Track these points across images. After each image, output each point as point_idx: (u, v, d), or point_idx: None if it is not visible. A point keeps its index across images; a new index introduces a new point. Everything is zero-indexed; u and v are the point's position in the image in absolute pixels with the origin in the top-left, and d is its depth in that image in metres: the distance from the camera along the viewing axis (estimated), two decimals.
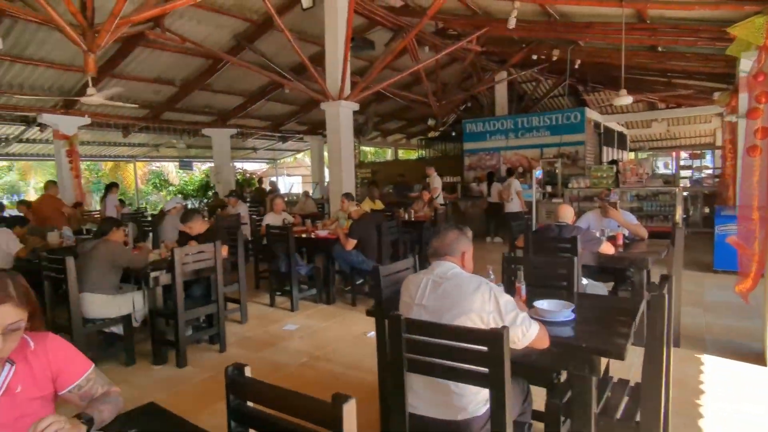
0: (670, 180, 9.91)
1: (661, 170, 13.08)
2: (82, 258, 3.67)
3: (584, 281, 3.89)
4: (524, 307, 2.14)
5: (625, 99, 6.56)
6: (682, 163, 11.43)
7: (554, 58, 9.92)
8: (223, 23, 8.85)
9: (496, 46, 10.96)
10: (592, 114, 12.06)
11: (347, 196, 6.38)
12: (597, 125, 13.10)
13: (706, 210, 10.97)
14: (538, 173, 9.51)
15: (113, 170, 17.47)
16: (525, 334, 1.80)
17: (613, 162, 10.02)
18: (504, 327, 1.56)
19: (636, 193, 8.88)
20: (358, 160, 18.59)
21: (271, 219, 6.37)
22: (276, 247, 5.46)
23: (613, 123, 14.99)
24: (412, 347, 1.70)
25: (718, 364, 3.55)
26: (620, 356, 1.82)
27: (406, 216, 7.68)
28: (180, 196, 9.52)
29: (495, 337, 1.53)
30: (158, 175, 18.92)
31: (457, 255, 2.01)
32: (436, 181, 9.93)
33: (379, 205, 8.31)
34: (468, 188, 11.80)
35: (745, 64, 5.13)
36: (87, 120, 10.32)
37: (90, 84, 5.26)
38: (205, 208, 11.74)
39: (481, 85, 12.18)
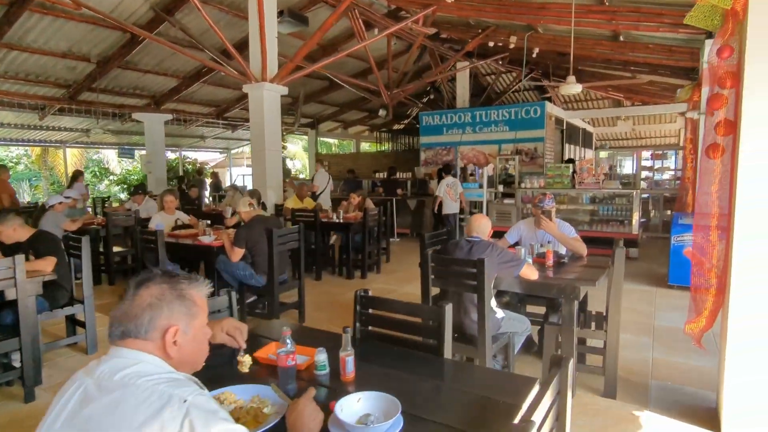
0: (631, 181, 9.25)
1: (626, 171, 12.48)
2: None
3: (498, 314, 3.04)
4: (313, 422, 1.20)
5: (573, 87, 5.76)
6: (643, 163, 10.80)
7: (511, 46, 9.10)
8: None
9: (452, 31, 10.07)
10: (553, 109, 11.34)
11: (252, 193, 5.41)
12: (559, 121, 12.40)
13: (668, 213, 10.41)
14: (465, 171, 8.70)
15: (41, 157, 15.95)
16: None
17: (570, 161, 9.29)
18: None
19: (592, 195, 8.15)
20: (315, 152, 17.65)
21: (160, 220, 5.35)
22: (147, 257, 4.46)
23: (578, 120, 14.35)
24: None
25: (662, 427, 2.74)
26: None
27: (335, 217, 6.75)
28: (74, 191, 8.09)
29: None
30: (98, 164, 17.46)
31: (152, 337, 1.08)
32: (319, 178, 8.93)
33: (309, 203, 7.35)
34: (424, 185, 10.90)
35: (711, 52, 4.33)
36: None
37: None
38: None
39: (436, 75, 11.27)
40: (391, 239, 9.62)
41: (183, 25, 8.38)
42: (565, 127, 12.87)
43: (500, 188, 8.84)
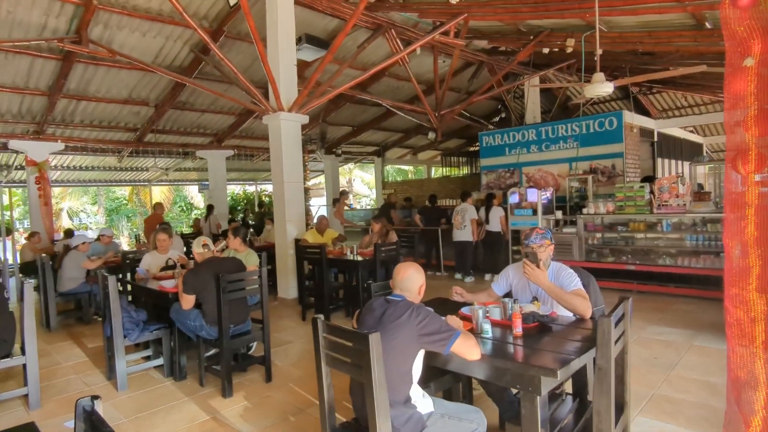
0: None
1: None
2: None
3: (423, 407, 2.13)
4: None
5: (601, 87, 4.51)
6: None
7: (568, 50, 7.86)
8: (170, 34, 7.93)
9: (503, 41, 9.07)
10: (634, 119, 9.65)
11: (235, 231, 4.97)
12: (647, 132, 10.58)
13: None
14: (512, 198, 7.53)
15: (132, 195, 17.55)
16: None
17: (648, 179, 7.65)
18: None
19: (676, 220, 6.53)
20: (382, 180, 17.27)
21: (150, 261, 5.11)
22: (108, 303, 4.14)
23: (677, 129, 12.21)
24: None
25: None
26: None
27: (349, 253, 6.07)
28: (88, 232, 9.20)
29: None
30: (184, 199, 18.81)
31: None
32: None
33: (329, 237, 6.77)
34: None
35: None
36: (60, 145, 9.93)
37: None
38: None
39: (482, 93, 10.25)
40: (437, 273, 8.74)
41: (217, 63, 8.47)
42: (656, 139, 10.97)
43: (558, 214, 7.50)
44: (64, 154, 10.86)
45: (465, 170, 18.90)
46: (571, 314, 2.68)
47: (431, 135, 10.61)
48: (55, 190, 17.85)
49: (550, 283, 2.65)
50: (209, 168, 12.47)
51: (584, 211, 7.18)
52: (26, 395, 3.67)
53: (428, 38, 7.16)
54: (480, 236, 8.03)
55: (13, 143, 9.41)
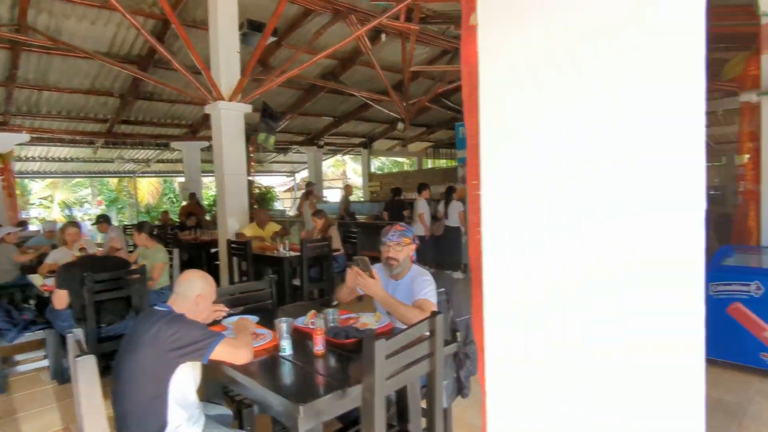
0: None
1: None
2: None
3: None
4: None
5: None
6: None
7: None
8: (121, 21, 7.68)
9: None
10: None
11: (139, 226, 4.72)
12: None
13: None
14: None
15: (118, 187, 17.55)
16: None
17: None
18: None
19: None
20: (368, 173, 16.94)
21: (60, 256, 4.90)
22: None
23: None
24: None
25: None
26: None
27: (281, 247, 5.80)
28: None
29: None
30: (173, 190, 18.75)
31: None
32: None
33: (269, 232, 6.51)
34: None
35: None
36: (25, 137, 9.81)
37: None
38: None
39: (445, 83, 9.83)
40: None
41: (173, 51, 8.23)
42: None
43: None
44: (32, 145, 10.78)
45: (454, 162, 18.51)
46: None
47: (400, 126, 10.24)
48: (47, 181, 18.00)
49: (384, 293, 2.34)
50: (184, 160, 12.30)
51: None
52: None
53: (375, 23, 6.78)
54: (438, 231, 7.70)
55: None
